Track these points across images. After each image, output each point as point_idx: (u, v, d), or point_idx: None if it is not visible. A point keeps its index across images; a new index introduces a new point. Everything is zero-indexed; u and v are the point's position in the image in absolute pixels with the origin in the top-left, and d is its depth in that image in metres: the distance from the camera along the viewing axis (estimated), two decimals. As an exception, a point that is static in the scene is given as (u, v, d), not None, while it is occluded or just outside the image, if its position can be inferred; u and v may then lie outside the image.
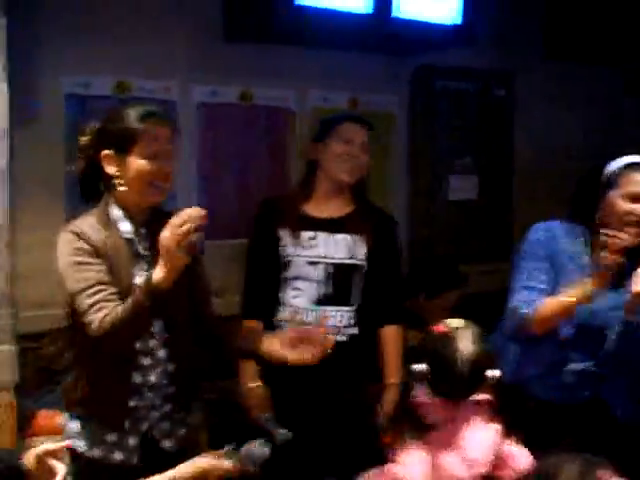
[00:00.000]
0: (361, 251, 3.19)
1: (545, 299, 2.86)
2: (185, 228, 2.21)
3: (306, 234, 3.17)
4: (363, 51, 4.17)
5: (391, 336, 3.26)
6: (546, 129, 5.00)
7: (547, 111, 5.02)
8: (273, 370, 2.90)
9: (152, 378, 2.49)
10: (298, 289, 3.16)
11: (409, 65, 4.46)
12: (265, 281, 3.20)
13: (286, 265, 3.17)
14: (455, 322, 2.41)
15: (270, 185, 4.10)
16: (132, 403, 2.47)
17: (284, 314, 3.15)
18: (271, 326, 3.12)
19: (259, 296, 3.22)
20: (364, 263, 3.20)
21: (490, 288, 3.10)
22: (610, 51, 5.00)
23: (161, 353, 2.51)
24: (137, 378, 2.48)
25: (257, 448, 2.21)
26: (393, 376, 3.21)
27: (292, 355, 2.43)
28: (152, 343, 2.49)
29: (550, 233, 2.99)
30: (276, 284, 3.19)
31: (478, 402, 2.33)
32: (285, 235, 3.18)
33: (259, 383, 3.13)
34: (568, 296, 2.80)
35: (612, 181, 2.90)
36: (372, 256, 3.20)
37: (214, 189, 4.01)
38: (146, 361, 2.48)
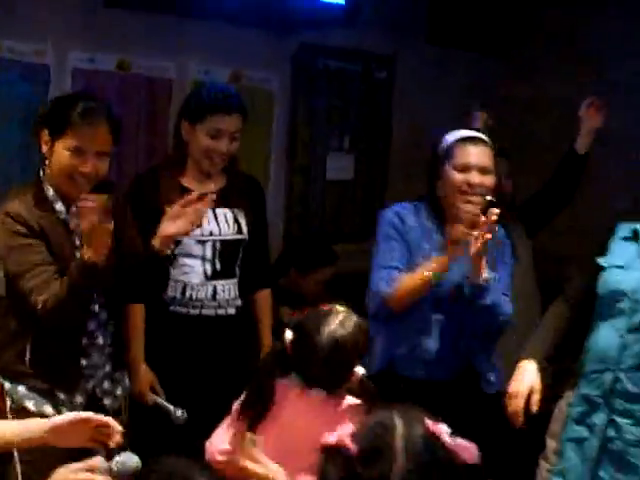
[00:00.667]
0: (244, 224, 3.20)
1: (402, 276, 2.93)
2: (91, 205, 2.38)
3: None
4: (247, 26, 4.10)
5: (265, 299, 3.34)
6: (424, 112, 5.04)
7: (426, 94, 5.08)
8: (168, 349, 3.08)
9: (99, 340, 2.73)
10: (187, 265, 3.12)
11: (292, 43, 4.43)
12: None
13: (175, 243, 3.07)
14: (341, 308, 2.35)
15: (148, 157, 4.00)
16: (82, 363, 2.69)
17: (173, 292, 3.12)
18: (162, 303, 3.11)
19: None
20: (247, 237, 3.21)
21: (365, 267, 3.16)
22: (489, 39, 5.11)
23: (103, 315, 2.74)
24: (84, 340, 2.70)
25: (128, 459, 2.11)
26: (269, 338, 3.28)
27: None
28: (95, 307, 2.70)
29: (400, 214, 3.06)
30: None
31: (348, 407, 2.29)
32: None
33: (146, 367, 3.07)
34: (423, 271, 2.89)
35: (446, 154, 3.00)
36: (251, 227, 3.22)
37: None
38: (92, 324, 2.71)
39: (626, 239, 2.79)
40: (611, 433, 2.69)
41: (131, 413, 2.93)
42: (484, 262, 2.86)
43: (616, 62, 4.82)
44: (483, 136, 3.06)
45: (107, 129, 2.65)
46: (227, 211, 3.17)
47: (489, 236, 2.79)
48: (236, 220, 3.18)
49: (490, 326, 3.02)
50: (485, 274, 2.86)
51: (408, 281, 2.93)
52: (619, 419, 2.68)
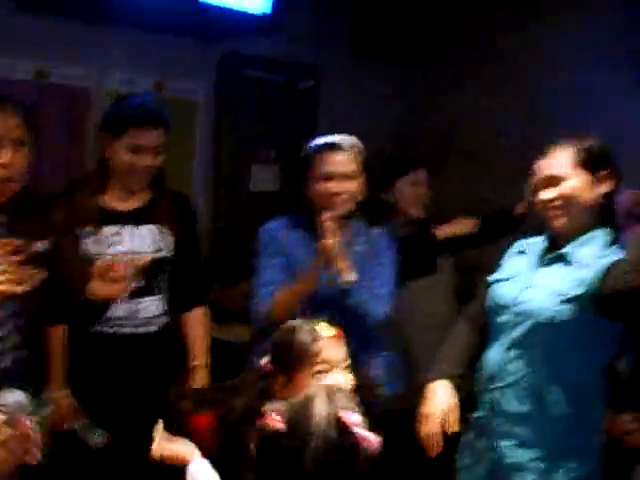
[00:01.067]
0: (168, 241, 3.11)
1: (278, 293, 2.99)
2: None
3: (109, 230, 3.02)
4: (170, 34, 4.02)
5: (198, 318, 3.24)
6: (349, 123, 4.95)
7: (351, 105, 5.05)
8: (88, 371, 2.99)
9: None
10: None
11: (216, 52, 4.36)
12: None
13: (91, 263, 2.95)
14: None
15: (68, 170, 3.83)
16: None
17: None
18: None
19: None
20: (171, 254, 3.12)
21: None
22: (412, 49, 5.11)
23: (12, 339, 2.67)
24: None
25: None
26: (199, 358, 3.17)
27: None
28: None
29: (273, 230, 3.13)
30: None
31: None
32: (85, 233, 2.99)
33: (66, 392, 2.97)
34: (297, 283, 2.95)
35: (309, 163, 3.09)
36: (178, 244, 3.14)
37: None
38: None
39: (519, 252, 2.76)
40: (494, 457, 2.60)
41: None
42: (345, 264, 2.87)
43: (537, 74, 4.86)
44: (345, 140, 3.09)
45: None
46: (149, 228, 3.08)
47: (335, 240, 2.84)
48: (159, 236, 3.10)
49: (360, 327, 2.96)
50: (347, 277, 2.87)
51: (283, 296, 2.97)
52: (501, 442, 2.58)
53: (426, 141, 5.16)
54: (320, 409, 1.79)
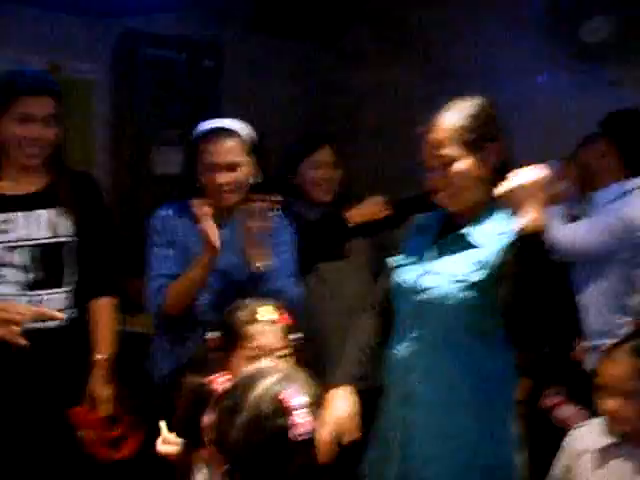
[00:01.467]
0: (66, 226, 2.90)
1: (172, 283, 2.87)
2: None
3: (1, 216, 2.83)
4: (65, 13, 3.87)
5: (103, 309, 3.01)
6: (253, 101, 4.90)
7: (255, 83, 4.98)
8: None
9: None
10: (2, 276, 2.80)
11: (113, 31, 4.22)
12: None
13: None
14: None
15: None
16: None
17: None
18: None
19: None
20: (71, 239, 2.91)
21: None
22: (316, 26, 5.04)
23: None
24: None
25: None
26: (103, 351, 2.96)
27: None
28: None
29: (163, 218, 2.99)
30: None
31: None
32: None
33: None
34: (188, 273, 2.84)
35: (197, 149, 2.96)
36: (81, 229, 2.93)
37: None
38: None
39: (419, 232, 2.61)
40: (406, 449, 2.45)
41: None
42: (255, 251, 2.82)
43: (442, 48, 4.85)
44: (232, 125, 2.98)
45: None
46: (45, 212, 2.88)
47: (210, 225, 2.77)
48: (56, 221, 2.89)
49: None
50: (258, 263, 2.82)
51: (177, 288, 2.87)
52: (415, 433, 2.44)
53: (333, 119, 5.11)
54: (265, 383, 1.74)
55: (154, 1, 3.94)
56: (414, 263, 2.52)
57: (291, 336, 2.40)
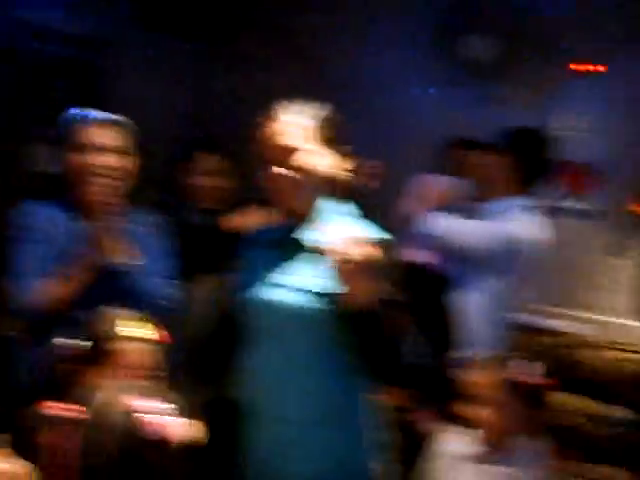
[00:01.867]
0: None
1: (42, 282, 2.66)
2: None
3: None
4: None
5: None
6: (138, 102, 4.69)
7: (140, 83, 4.89)
8: None
9: None
10: None
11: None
12: None
13: None
14: None
15: None
16: None
17: None
18: None
19: None
20: None
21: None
22: (203, 29, 5.02)
23: None
24: None
25: None
26: None
27: None
28: None
29: (34, 213, 2.78)
30: None
31: None
32: None
33: None
34: (63, 271, 2.66)
35: (64, 137, 2.81)
36: None
37: None
38: None
39: (257, 243, 2.50)
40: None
41: None
42: (121, 248, 2.67)
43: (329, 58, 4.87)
44: (116, 117, 2.83)
45: None
46: None
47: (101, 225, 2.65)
48: None
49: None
50: (125, 260, 2.68)
51: (48, 287, 2.65)
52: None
53: (218, 123, 5.06)
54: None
55: None
56: (264, 278, 2.38)
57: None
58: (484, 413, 2.44)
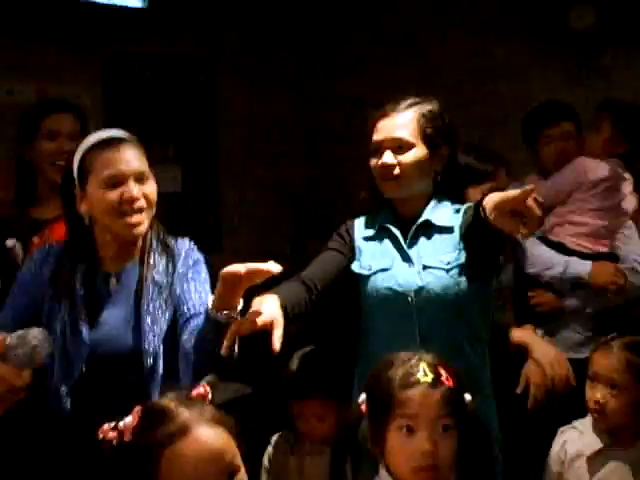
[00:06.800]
0: None
1: None
2: None
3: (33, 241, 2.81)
4: (51, 40, 3.96)
5: None
6: (248, 115, 4.87)
7: (248, 96, 4.88)
8: None
9: None
10: None
11: (101, 53, 4.27)
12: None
13: None
14: None
15: None
16: None
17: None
18: None
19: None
20: None
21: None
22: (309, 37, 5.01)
23: None
24: None
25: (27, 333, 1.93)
26: None
27: None
28: None
29: (41, 258, 2.33)
30: None
31: None
32: (16, 245, 2.82)
33: None
34: None
35: (84, 169, 2.22)
36: None
37: None
38: None
39: (371, 236, 2.53)
40: None
41: None
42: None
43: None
44: (128, 134, 2.29)
45: None
46: None
47: None
48: None
49: None
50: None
51: None
52: None
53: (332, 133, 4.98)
54: None
55: (137, 21, 4.06)
56: (391, 265, 2.46)
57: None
58: (605, 394, 2.37)
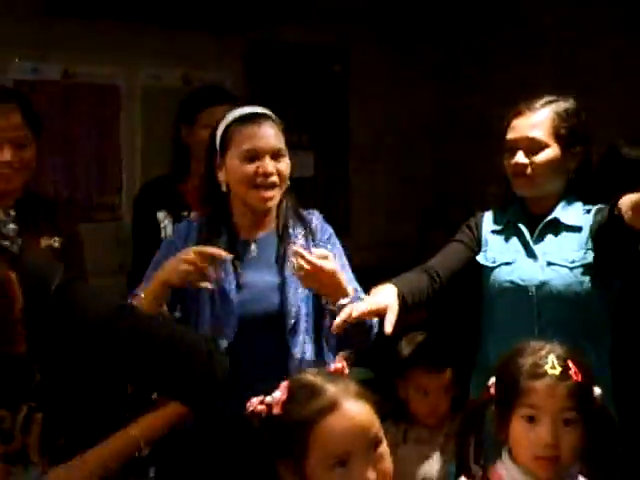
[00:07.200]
0: None
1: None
2: None
3: (181, 214, 3.09)
4: (195, 27, 4.04)
5: None
6: (381, 105, 4.90)
7: (382, 87, 4.91)
8: None
9: None
10: None
11: (243, 41, 4.37)
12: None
13: None
14: None
15: (100, 167, 3.96)
16: None
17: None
18: None
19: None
20: None
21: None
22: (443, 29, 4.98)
23: None
24: None
25: None
26: None
27: None
28: None
29: (184, 232, 2.50)
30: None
31: None
32: (164, 217, 3.12)
33: None
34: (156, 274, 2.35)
35: (222, 143, 2.40)
36: None
37: (36, 173, 3.48)
38: None
39: (499, 230, 2.57)
40: None
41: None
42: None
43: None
44: (269, 112, 2.48)
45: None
46: None
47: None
48: None
49: None
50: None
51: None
52: None
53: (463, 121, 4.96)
54: None
55: (279, 10, 4.09)
56: (517, 259, 2.50)
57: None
58: None
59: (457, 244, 2.63)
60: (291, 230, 2.46)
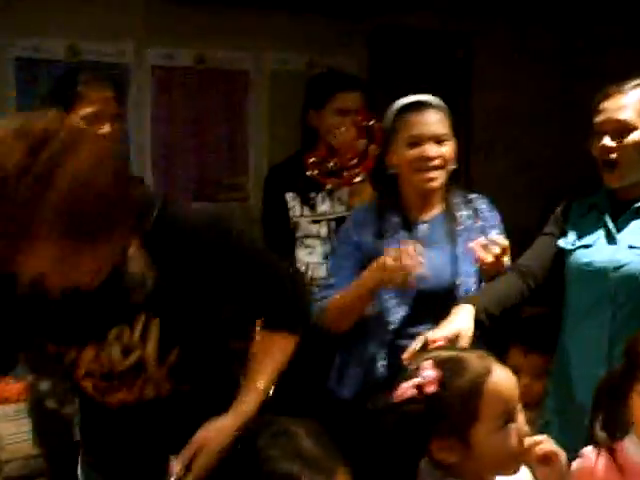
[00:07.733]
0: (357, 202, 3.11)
1: (338, 291, 2.55)
2: None
3: (309, 196, 3.21)
4: (320, 13, 4.14)
5: None
6: (504, 91, 4.89)
7: (506, 73, 4.90)
8: None
9: None
10: (308, 246, 3.16)
11: (366, 26, 4.43)
12: (279, 242, 3.08)
13: (295, 226, 3.17)
14: None
15: (229, 149, 4.10)
16: None
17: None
18: None
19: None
20: None
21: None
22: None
23: None
24: None
25: None
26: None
27: None
28: None
29: (360, 216, 2.68)
30: (290, 244, 3.16)
31: None
32: (291, 199, 3.20)
33: None
34: (359, 282, 2.50)
35: (391, 129, 2.61)
36: None
37: (170, 154, 3.95)
38: None
39: (584, 214, 2.54)
40: None
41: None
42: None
43: None
44: (434, 99, 2.64)
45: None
46: (343, 191, 3.15)
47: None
48: (347, 199, 3.16)
49: None
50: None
51: (341, 298, 2.53)
52: None
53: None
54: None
55: None
56: (597, 243, 2.46)
57: None
58: None
59: (545, 237, 2.64)
60: (458, 212, 2.63)
